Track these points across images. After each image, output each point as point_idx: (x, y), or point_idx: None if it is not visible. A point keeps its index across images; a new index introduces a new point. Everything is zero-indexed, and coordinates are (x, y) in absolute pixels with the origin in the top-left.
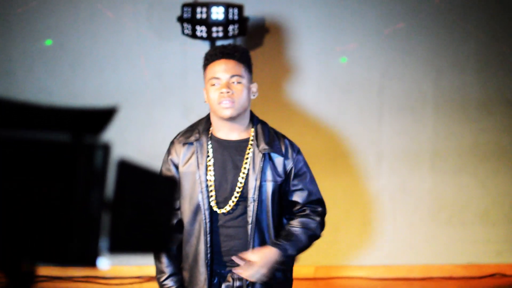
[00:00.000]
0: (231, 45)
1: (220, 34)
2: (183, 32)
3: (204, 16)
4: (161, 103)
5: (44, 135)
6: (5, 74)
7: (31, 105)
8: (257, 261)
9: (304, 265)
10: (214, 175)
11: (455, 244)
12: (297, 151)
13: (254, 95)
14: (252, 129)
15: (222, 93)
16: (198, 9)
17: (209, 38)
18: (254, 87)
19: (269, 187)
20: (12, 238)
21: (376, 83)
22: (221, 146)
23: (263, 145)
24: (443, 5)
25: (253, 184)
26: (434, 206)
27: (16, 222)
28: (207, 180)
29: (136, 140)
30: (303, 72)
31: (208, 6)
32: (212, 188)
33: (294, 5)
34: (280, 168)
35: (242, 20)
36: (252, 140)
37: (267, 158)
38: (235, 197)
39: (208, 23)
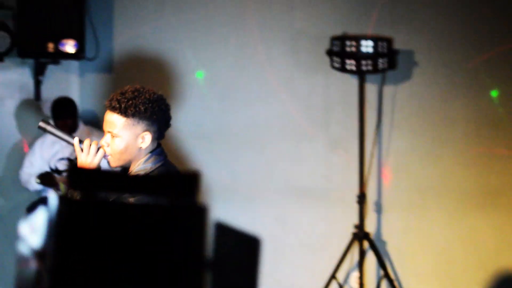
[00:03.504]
0: (124, 95)
1: (369, 68)
2: (332, 65)
3: (353, 49)
4: (307, 137)
5: (145, 199)
6: None
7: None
8: None
9: None
10: None
11: None
12: None
13: (143, 145)
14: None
15: (101, 144)
16: (348, 42)
17: (358, 71)
18: (145, 137)
19: None
20: None
21: None
22: None
23: None
24: None
25: None
26: None
27: (114, 282)
28: None
29: (284, 173)
30: (452, 106)
31: (358, 39)
32: None
33: (444, 37)
34: None
35: (391, 54)
36: None
37: None
38: None
39: (358, 56)
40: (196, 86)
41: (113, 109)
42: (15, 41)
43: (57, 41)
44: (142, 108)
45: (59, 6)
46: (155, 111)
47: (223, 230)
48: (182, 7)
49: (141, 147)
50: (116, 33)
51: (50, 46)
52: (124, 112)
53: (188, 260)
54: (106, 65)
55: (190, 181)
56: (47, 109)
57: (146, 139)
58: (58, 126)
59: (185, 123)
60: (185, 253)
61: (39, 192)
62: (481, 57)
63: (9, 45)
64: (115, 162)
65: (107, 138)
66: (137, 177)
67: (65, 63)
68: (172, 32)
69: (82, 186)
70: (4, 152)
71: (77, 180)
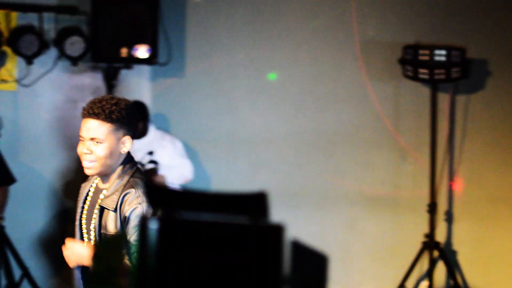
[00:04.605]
0: (102, 102)
1: (442, 77)
2: (404, 74)
3: (426, 58)
4: (377, 145)
5: (228, 218)
6: (229, 111)
7: (215, 194)
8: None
9: None
10: (86, 215)
11: None
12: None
13: (124, 149)
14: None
15: (83, 152)
16: (421, 51)
17: (431, 80)
18: (126, 141)
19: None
20: None
21: None
22: (96, 191)
23: (102, 199)
24: None
25: (92, 234)
26: None
27: None
28: (81, 217)
29: (354, 181)
30: None
31: (431, 48)
32: (84, 224)
33: None
34: (112, 223)
35: (464, 63)
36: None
37: (104, 210)
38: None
39: (431, 65)
40: (267, 91)
41: (97, 115)
42: (89, 46)
43: (130, 46)
44: (124, 113)
45: (132, 12)
46: (132, 116)
47: (298, 248)
48: (254, 11)
49: (122, 152)
50: (189, 38)
51: (124, 51)
52: (108, 117)
53: (266, 277)
54: (178, 70)
55: (261, 200)
56: None
57: (127, 144)
58: None
59: (256, 128)
60: (264, 270)
61: None
62: None
63: (83, 50)
64: (97, 169)
65: (89, 145)
66: (213, 196)
67: (137, 67)
68: (244, 36)
69: (162, 205)
70: (75, 155)
71: (157, 199)
